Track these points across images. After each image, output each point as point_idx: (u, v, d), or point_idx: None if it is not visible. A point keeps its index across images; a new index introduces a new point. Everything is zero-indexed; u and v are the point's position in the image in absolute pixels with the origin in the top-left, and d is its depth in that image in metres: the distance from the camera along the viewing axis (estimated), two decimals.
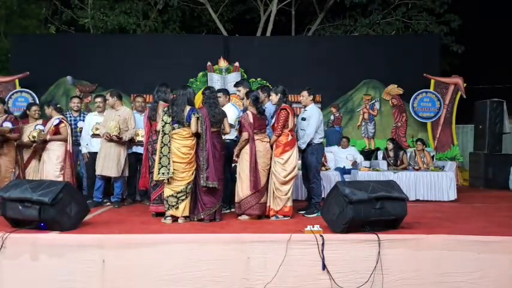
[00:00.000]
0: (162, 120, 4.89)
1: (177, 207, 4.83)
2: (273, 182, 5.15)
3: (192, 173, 4.88)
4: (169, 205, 4.84)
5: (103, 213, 5.53)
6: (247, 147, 5.13)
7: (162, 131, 4.86)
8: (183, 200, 4.83)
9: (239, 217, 5.13)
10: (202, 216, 4.91)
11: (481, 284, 3.84)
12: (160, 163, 4.79)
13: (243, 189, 5.10)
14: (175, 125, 4.85)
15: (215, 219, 4.96)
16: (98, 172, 5.89)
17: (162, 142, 4.83)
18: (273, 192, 5.14)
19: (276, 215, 5.13)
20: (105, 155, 5.85)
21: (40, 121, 6.06)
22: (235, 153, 5.27)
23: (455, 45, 12.26)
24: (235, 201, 5.21)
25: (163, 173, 4.77)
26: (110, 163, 5.85)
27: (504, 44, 13.89)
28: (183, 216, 4.86)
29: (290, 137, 5.21)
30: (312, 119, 5.51)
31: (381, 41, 11.19)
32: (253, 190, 5.06)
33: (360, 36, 12.39)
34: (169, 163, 4.77)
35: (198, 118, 4.88)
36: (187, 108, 4.89)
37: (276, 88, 5.43)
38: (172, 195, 4.83)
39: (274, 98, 5.40)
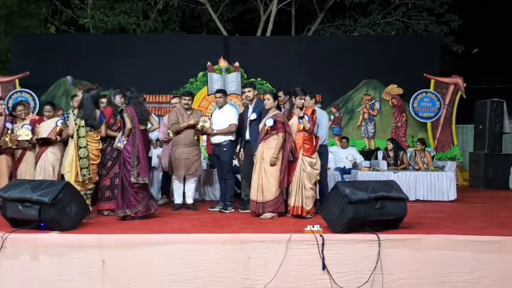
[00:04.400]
0: (76, 124, 5.05)
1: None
2: (303, 183, 5.17)
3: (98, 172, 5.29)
4: None
5: None
6: (271, 145, 5.19)
7: (77, 134, 5.03)
8: (89, 196, 5.16)
9: (263, 216, 5.13)
10: (128, 213, 5.00)
11: (481, 284, 3.84)
12: (80, 165, 4.99)
13: (275, 188, 5.15)
14: (87, 128, 5.09)
15: (149, 214, 5.08)
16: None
17: (78, 146, 5.02)
18: (302, 191, 5.16)
19: (309, 214, 5.16)
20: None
21: (27, 121, 5.88)
22: (275, 155, 5.15)
23: (455, 45, 12.26)
24: (262, 200, 5.17)
25: (84, 175, 5.02)
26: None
27: (504, 44, 13.87)
28: None
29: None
30: (322, 122, 5.70)
31: (381, 41, 11.17)
32: (284, 187, 5.20)
33: (360, 36, 12.38)
34: (89, 165, 5.06)
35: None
36: (97, 111, 5.24)
37: (298, 90, 5.46)
38: (84, 194, 4.99)
39: (301, 101, 5.37)
